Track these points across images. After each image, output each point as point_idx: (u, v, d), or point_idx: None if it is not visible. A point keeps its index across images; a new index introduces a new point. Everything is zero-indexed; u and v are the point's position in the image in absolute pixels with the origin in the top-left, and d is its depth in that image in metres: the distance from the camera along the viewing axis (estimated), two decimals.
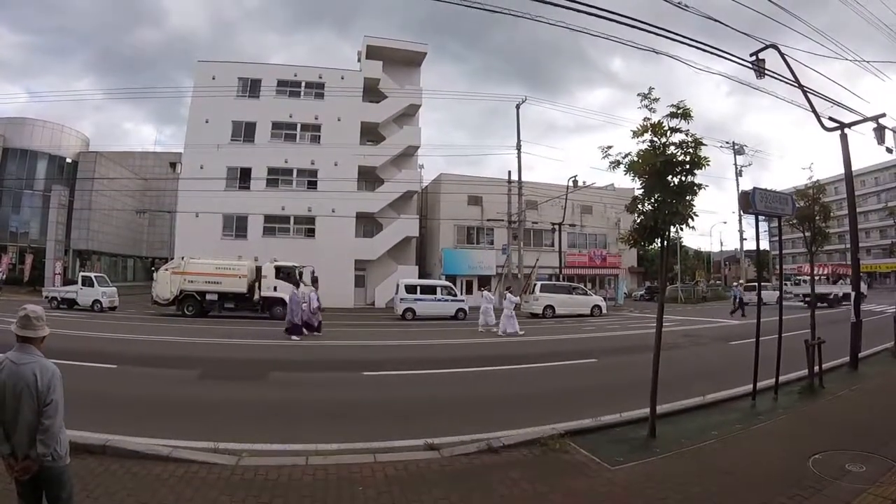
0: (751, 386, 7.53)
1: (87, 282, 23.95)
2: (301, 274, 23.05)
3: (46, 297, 24.29)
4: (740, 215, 39.43)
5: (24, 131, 39.54)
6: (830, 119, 10.98)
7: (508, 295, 18.06)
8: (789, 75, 10.56)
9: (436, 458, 5.17)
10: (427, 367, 11.00)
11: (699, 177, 5.65)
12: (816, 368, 8.16)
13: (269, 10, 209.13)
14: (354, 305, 30.71)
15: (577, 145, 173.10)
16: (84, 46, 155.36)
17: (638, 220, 5.89)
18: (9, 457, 2.77)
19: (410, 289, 24.36)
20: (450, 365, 11.15)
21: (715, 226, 78.49)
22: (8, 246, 38.40)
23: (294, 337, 15.04)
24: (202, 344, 13.80)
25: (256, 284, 22.45)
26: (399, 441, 5.71)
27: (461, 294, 27.19)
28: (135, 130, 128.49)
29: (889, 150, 12.07)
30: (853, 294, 11.18)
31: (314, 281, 17.27)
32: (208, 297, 22.18)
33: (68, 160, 41.48)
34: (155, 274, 23.90)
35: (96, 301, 23.23)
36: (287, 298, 15.45)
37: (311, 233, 31.94)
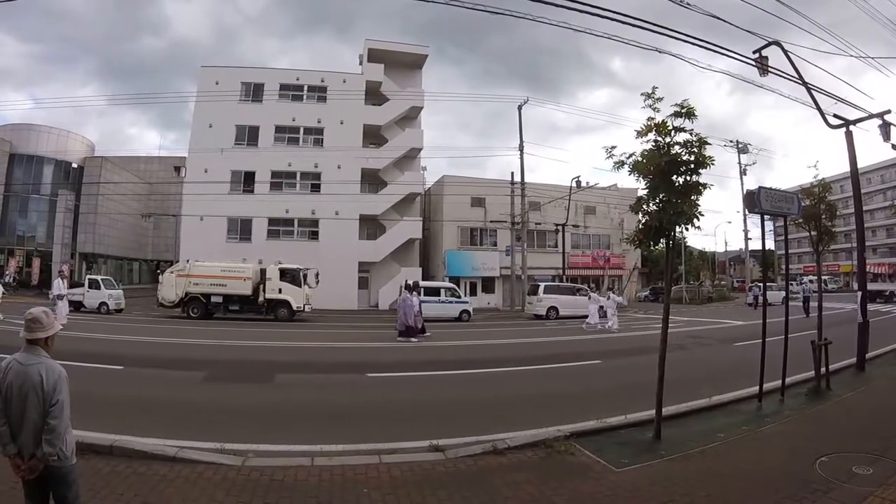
0: (757, 388, 7.49)
1: (94, 284, 24.10)
2: (305, 276, 23.14)
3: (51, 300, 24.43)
4: (745, 215, 39.31)
5: (30, 137, 39.92)
6: (835, 116, 10.92)
7: (612, 295, 19.99)
8: (793, 72, 10.51)
9: (441, 459, 5.17)
10: (430, 368, 11.00)
11: (704, 176, 5.64)
12: (823, 370, 8.10)
13: (270, 16, 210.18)
14: (358, 307, 30.76)
15: (580, 146, 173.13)
16: (88, 54, 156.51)
17: (643, 221, 5.88)
18: (15, 457, 2.79)
19: None
20: (453, 367, 11.15)
21: (719, 225, 78.20)
22: (15, 249, 38.72)
23: (413, 339, 15.40)
24: (207, 346, 13.84)
25: (261, 287, 22.53)
26: (404, 442, 5.70)
27: (465, 296, 27.18)
28: (139, 136, 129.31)
29: (894, 147, 12.00)
30: (859, 294, 11.10)
31: (416, 286, 18.06)
32: (213, 299, 22.27)
33: (74, 165, 41.78)
34: (160, 277, 24.02)
35: (103, 303, 23.35)
36: (400, 302, 16.24)
37: (314, 235, 32.06)
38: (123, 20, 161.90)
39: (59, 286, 17.83)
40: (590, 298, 21.51)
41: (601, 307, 19.85)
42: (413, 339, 15.41)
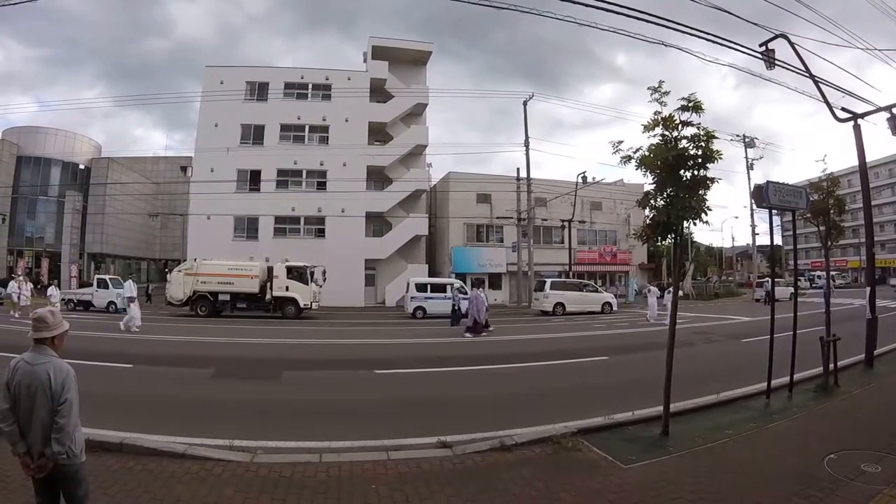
0: (765, 384, 7.44)
1: (102, 284, 24.30)
2: (312, 273, 23.23)
3: (63, 300, 24.65)
4: (752, 210, 39.02)
5: (37, 140, 40.26)
6: (843, 110, 10.79)
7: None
8: (800, 66, 10.39)
9: (448, 455, 5.17)
10: (439, 365, 11.00)
11: (711, 170, 5.59)
12: (831, 366, 8.03)
13: (274, 15, 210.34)
14: (365, 304, 30.82)
15: (585, 142, 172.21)
16: (94, 57, 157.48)
17: (650, 216, 5.84)
18: (24, 455, 2.82)
19: (420, 287, 24.41)
20: (461, 363, 11.13)
21: (726, 221, 77.44)
22: (24, 251, 39.07)
23: (483, 334, 16.07)
24: (215, 343, 13.92)
25: (268, 284, 22.65)
26: (412, 439, 5.71)
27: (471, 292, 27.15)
28: (145, 136, 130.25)
29: None
30: (868, 290, 10.98)
31: (481, 283, 19.24)
32: (220, 297, 22.41)
33: (81, 166, 42.15)
34: (168, 275, 24.17)
35: (111, 302, 23.54)
36: (472, 298, 16.95)
37: (321, 233, 32.14)
38: (128, 22, 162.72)
39: (130, 288, 17.29)
40: (649, 291, 22.58)
41: (658, 298, 21.56)
42: (484, 334, 15.99)
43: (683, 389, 6.83)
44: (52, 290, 19.63)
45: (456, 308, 20.36)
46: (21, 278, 22.27)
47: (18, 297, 20.18)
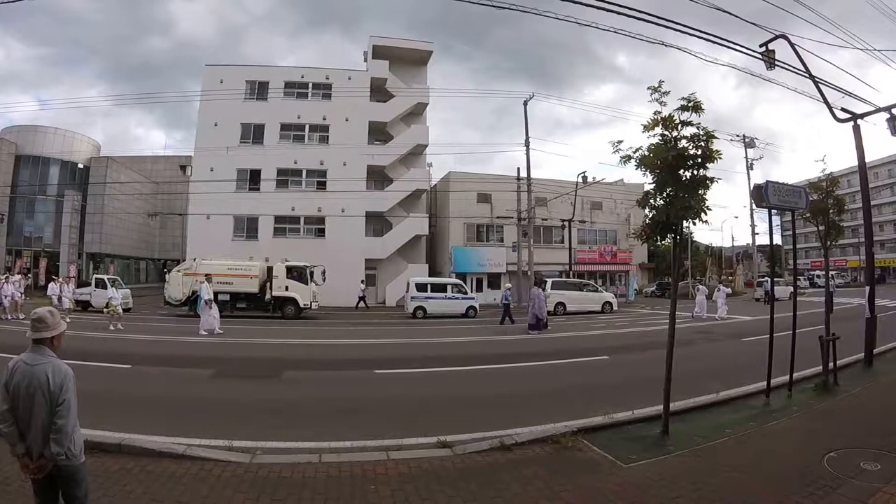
0: (765, 383, 7.44)
1: (101, 284, 24.22)
2: (312, 273, 23.21)
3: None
4: (752, 209, 39.02)
5: (36, 138, 40.19)
6: (843, 110, 10.79)
7: (721, 287, 23.05)
8: (800, 66, 10.39)
9: (448, 455, 5.17)
10: (439, 364, 10.99)
11: (711, 170, 5.59)
12: (831, 365, 8.04)
13: (276, 15, 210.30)
14: (365, 304, 30.78)
15: (585, 141, 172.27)
16: (95, 56, 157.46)
17: (650, 215, 5.85)
18: (24, 456, 2.81)
19: (421, 287, 24.41)
20: (461, 363, 11.14)
21: (726, 220, 77.50)
22: (23, 250, 39.00)
23: (533, 332, 16.46)
24: (215, 343, 13.89)
25: (268, 284, 22.64)
26: (411, 439, 5.71)
27: (471, 292, 27.21)
28: (145, 136, 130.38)
29: None
30: (867, 289, 10.99)
31: (541, 282, 20.31)
32: (220, 297, 22.29)
33: (80, 166, 42.07)
34: (167, 275, 24.12)
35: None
36: (533, 297, 17.42)
37: (321, 233, 32.13)
38: (129, 21, 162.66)
39: (207, 291, 16.25)
40: (697, 290, 23.20)
41: (707, 297, 22.34)
42: (533, 333, 16.38)
43: (683, 389, 6.84)
44: (112, 292, 18.76)
45: (507, 307, 20.76)
46: (61, 280, 21.93)
47: (60, 300, 19.37)
